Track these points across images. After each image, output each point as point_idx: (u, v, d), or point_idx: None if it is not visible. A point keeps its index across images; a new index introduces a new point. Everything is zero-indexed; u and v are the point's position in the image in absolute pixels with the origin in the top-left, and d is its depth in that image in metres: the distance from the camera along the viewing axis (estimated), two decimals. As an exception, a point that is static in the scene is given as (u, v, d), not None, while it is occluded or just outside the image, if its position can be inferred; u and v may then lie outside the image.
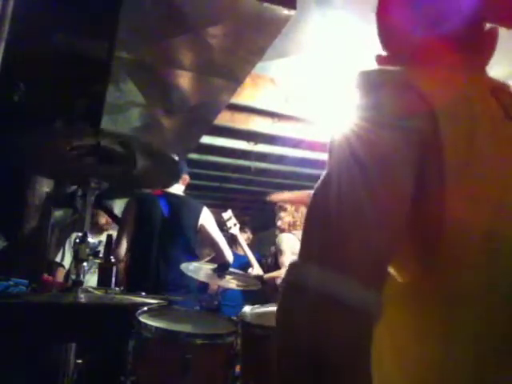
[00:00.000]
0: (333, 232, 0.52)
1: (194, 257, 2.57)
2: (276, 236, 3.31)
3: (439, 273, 0.55)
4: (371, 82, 0.59)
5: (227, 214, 3.02)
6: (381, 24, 0.73)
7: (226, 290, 3.38)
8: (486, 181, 0.54)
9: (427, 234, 0.55)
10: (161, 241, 2.44)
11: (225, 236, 2.79)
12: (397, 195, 0.52)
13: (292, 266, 0.54)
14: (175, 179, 2.32)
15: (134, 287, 2.16)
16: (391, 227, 0.52)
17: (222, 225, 2.96)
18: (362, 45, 2.41)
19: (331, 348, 0.46)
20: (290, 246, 2.98)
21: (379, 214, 0.51)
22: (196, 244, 2.61)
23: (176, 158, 2.48)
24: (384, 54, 0.72)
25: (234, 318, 1.59)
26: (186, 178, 2.69)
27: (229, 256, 2.61)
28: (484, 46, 0.66)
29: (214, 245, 2.65)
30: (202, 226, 2.57)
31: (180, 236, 2.48)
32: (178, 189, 2.63)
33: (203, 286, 3.03)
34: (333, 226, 0.52)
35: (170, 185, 2.44)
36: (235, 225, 3.02)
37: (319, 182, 0.56)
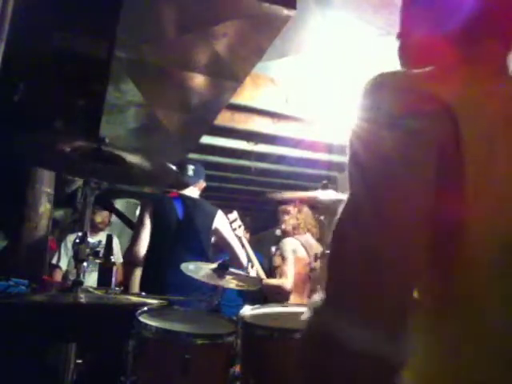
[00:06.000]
0: (340, 266, 0.51)
1: (207, 260, 2.56)
2: (277, 237, 3.31)
3: (453, 281, 0.53)
4: (373, 84, 0.57)
5: (233, 216, 3.02)
6: (401, 23, 0.69)
7: (225, 290, 3.38)
8: (505, 184, 0.52)
9: (443, 240, 0.53)
10: (174, 242, 2.43)
11: None
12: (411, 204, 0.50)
13: (314, 307, 0.53)
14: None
15: (146, 289, 2.17)
16: (409, 250, 0.50)
17: None
18: (361, 45, 2.41)
19: None
20: (293, 251, 2.97)
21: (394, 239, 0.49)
22: (209, 247, 2.61)
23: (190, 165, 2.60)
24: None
25: (234, 318, 1.59)
26: (202, 183, 2.72)
27: (243, 259, 2.63)
28: (494, 45, 0.62)
29: (228, 248, 2.66)
30: (216, 229, 2.57)
31: (193, 238, 2.47)
32: (192, 192, 2.64)
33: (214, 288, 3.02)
34: (340, 256, 0.51)
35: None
36: (240, 226, 3.02)
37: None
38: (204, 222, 2.54)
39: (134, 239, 2.45)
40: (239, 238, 3.02)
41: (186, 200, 2.55)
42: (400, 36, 0.68)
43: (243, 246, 3.06)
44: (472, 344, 0.52)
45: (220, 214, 2.61)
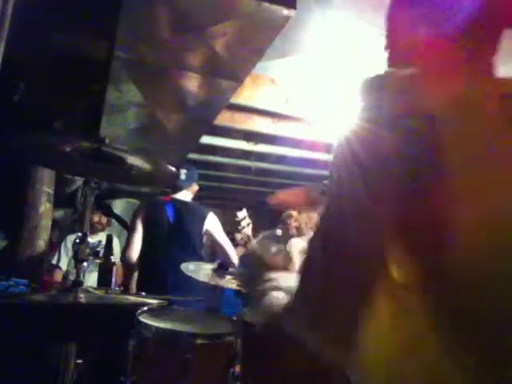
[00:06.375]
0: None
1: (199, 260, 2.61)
2: (277, 237, 3.32)
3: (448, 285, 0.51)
4: (371, 86, 0.57)
5: (242, 214, 3.02)
6: (388, 22, 0.69)
7: (225, 290, 3.39)
8: (505, 185, 0.50)
9: (435, 241, 0.51)
10: (166, 245, 2.51)
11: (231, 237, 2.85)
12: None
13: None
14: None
15: (142, 290, 2.19)
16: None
17: (235, 224, 2.98)
18: (361, 45, 2.41)
19: None
20: (300, 252, 2.98)
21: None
22: (200, 248, 2.68)
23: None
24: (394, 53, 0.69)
25: (234, 318, 1.59)
26: (195, 186, 2.80)
27: (235, 260, 2.70)
28: (490, 45, 0.60)
29: (219, 249, 2.74)
30: (207, 230, 2.65)
31: (185, 240, 2.55)
32: (185, 196, 2.72)
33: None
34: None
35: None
36: (248, 225, 3.03)
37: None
38: (195, 223, 2.62)
39: (127, 244, 2.55)
40: (247, 236, 3.02)
41: (178, 204, 2.63)
42: (391, 42, 0.67)
43: (250, 243, 3.07)
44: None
45: (211, 216, 2.68)
